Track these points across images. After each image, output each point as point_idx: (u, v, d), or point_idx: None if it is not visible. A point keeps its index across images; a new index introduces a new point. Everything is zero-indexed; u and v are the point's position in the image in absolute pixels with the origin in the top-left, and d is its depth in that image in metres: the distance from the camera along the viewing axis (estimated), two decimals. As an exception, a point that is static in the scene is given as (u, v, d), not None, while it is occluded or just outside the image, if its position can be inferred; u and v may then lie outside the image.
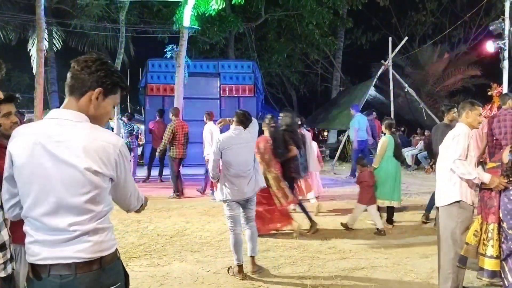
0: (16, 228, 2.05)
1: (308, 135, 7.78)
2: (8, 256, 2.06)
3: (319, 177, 8.43)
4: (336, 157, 15.04)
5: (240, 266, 4.49)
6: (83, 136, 1.76)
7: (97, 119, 1.87)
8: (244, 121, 4.57)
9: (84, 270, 1.76)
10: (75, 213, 1.76)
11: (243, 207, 4.58)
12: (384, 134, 6.79)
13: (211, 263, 4.93)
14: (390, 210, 6.50)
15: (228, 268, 4.61)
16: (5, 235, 2.06)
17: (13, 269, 2.10)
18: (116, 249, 1.90)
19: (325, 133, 24.87)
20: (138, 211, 2.12)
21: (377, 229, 6.11)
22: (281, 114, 6.69)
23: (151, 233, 6.17)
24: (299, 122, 7.49)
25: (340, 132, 18.50)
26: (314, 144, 8.05)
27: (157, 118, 11.79)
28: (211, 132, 8.68)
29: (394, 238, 5.94)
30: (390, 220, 6.51)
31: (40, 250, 1.77)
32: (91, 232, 1.78)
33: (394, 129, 6.67)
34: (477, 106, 4.00)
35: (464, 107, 3.99)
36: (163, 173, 11.13)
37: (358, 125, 11.25)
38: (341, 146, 15.24)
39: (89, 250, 1.77)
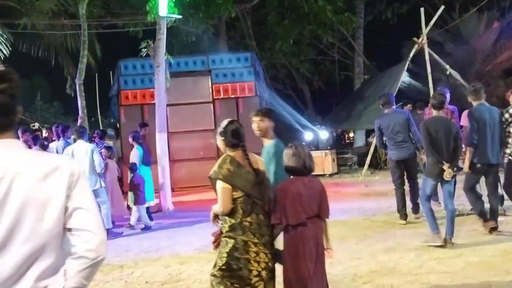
0: None
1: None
2: None
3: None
4: (366, 165, 15.00)
5: None
6: None
7: None
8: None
9: None
10: None
11: None
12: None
13: (216, 314, 4.90)
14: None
15: None
16: None
17: None
18: None
19: (351, 135, 24.89)
20: None
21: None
22: None
23: (138, 281, 6.16)
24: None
25: (369, 133, 18.46)
26: (111, 163, 10.19)
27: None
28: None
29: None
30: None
31: None
32: None
33: (141, 141, 10.13)
34: None
35: None
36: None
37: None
38: (371, 150, 15.21)
39: None
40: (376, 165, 16.15)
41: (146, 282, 6.10)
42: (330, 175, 16.19)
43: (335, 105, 23.38)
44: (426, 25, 14.68)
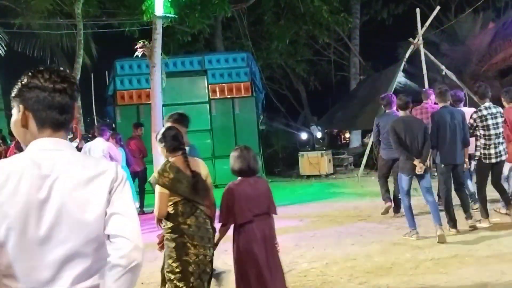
0: None
1: None
2: None
3: None
4: (362, 165, 15.01)
5: None
6: None
7: None
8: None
9: None
10: None
11: None
12: None
13: (212, 314, 4.89)
14: None
15: None
16: None
17: None
18: None
19: (347, 135, 24.91)
20: None
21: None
22: None
23: (133, 282, 6.13)
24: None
25: (365, 133, 18.49)
26: None
27: (134, 133, 11.85)
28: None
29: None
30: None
31: None
32: None
33: (122, 143, 10.44)
34: None
35: None
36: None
37: None
38: (367, 151, 15.23)
39: None
40: (372, 165, 16.12)
41: (142, 283, 6.07)
42: (326, 175, 16.19)
43: (331, 106, 23.32)
44: (422, 25, 14.70)
